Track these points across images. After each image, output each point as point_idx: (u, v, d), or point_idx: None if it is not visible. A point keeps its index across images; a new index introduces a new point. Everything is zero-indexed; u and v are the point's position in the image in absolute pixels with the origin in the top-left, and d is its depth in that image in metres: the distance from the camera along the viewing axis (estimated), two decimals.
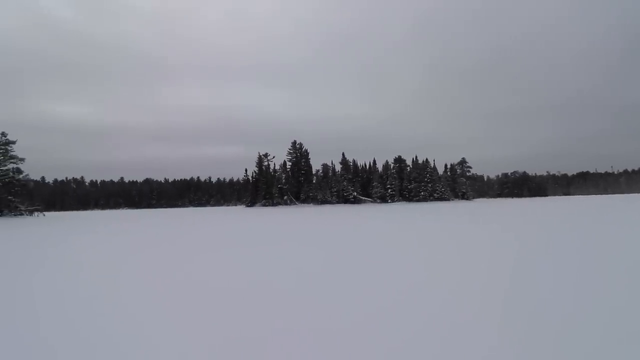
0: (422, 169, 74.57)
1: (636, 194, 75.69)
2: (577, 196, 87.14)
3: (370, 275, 4.86)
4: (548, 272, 4.68)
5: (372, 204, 66.93)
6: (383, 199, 72.13)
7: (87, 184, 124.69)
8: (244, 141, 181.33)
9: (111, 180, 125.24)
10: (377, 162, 78.50)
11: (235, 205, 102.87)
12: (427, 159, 75.89)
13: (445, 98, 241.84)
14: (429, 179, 73.15)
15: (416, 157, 76.93)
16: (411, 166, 76.43)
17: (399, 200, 72.42)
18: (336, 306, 3.51)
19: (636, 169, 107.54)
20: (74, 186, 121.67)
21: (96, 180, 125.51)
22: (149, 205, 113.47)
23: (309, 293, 4.08)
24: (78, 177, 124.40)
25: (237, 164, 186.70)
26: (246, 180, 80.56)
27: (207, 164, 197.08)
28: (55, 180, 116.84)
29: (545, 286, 4.00)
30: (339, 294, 3.95)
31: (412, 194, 72.98)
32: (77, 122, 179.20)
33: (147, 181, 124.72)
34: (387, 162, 77.67)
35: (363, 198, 72.43)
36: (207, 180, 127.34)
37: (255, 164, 77.18)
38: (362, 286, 4.29)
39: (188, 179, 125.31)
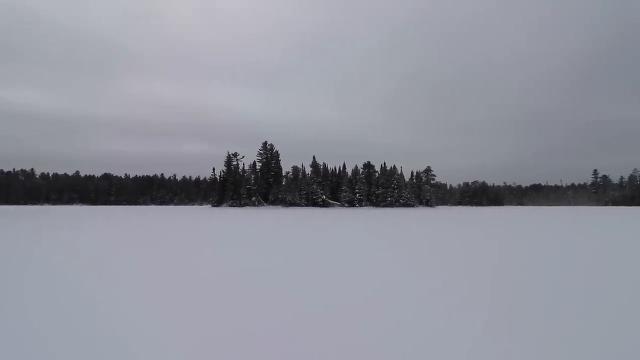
0: (390, 175, 76.65)
1: (578, 207, 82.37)
2: (529, 206, 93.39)
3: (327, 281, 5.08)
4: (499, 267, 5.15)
5: (340, 207, 67.78)
6: (351, 204, 73.27)
7: (37, 176, 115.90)
8: (213, 139, 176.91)
9: (65, 174, 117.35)
10: (346, 166, 79.79)
11: (201, 204, 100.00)
12: (394, 166, 78.22)
13: (416, 109, 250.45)
14: (396, 185, 75.31)
15: (384, 163, 79.07)
16: (379, 172, 78.30)
17: (366, 205, 73.87)
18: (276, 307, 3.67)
19: (582, 183, 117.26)
20: (22, 178, 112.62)
21: (48, 173, 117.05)
22: (107, 202, 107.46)
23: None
24: (27, 168, 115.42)
25: (205, 163, 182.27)
26: (213, 180, 78.69)
27: (172, 161, 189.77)
28: (1, 172, 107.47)
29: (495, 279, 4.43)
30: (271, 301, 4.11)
31: (379, 199, 74.73)
32: (27, 108, 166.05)
33: (106, 176, 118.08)
34: (356, 167, 79.17)
35: (332, 202, 73.16)
36: (172, 178, 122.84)
37: (223, 163, 75.70)
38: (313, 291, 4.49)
39: (151, 175, 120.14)
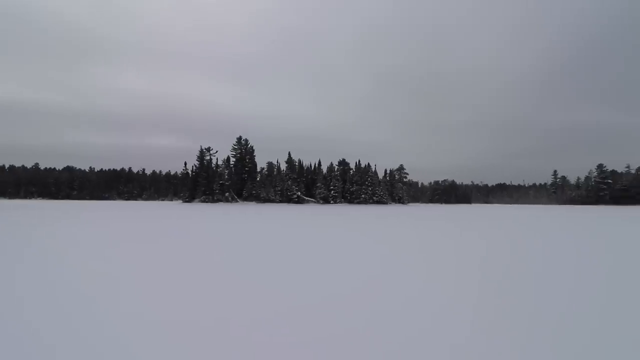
0: (364, 173, 77.75)
1: (538, 205, 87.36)
2: (494, 205, 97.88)
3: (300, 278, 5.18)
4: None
5: (315, 204, 67.99)
6: (326, 200, 73.68)
7: None
8: (185, 133, 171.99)
9: (23, 166, 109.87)
10: (322, 163, 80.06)
11: (172, 200, 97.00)
12: (369, 164, 79.38)
13: (391, 108, 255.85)
14: (370, 182, 76.52)
15: (359, 161, 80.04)
16: (354, 169, 79.21)
17: (340, 202, 74.57)
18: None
19: (543, 183, 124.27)
20: None
21: (4, 165, 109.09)
22: (69, 197, 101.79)
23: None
24: None
25: (176, 157, 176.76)
26: (185, 174, 76.58)
27: (141, 155, 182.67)
28: None
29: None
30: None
31: (353, 196, 75.65)
32: None
33: (68, 169, 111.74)
34: (331, 164, 79.59)
35: (306, 198, 73.25)
36: (140, 172, 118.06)
37: (196, 157, 73.80)
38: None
39: (118, 169, 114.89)
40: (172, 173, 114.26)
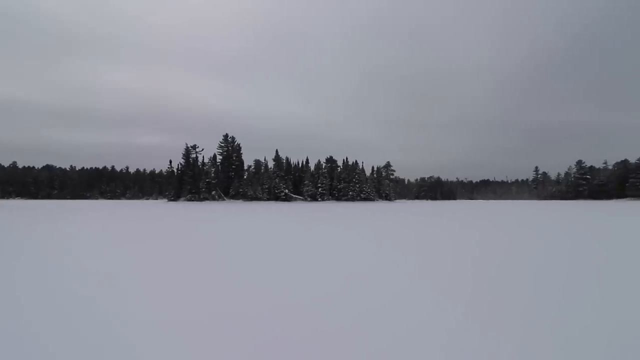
0: (352, 170, 78.17)
1: (520, 201, 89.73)
2: (478, 201, 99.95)
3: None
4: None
5: (303, 202, 68.03)
6: (313, 198, 73.83)
7: None
8: (169, 130, 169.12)
9: (0, 165, 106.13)
10: (309, 161, 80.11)
11: (157, 199, 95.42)
12: (356, 161, 79.78)
13: (378, 106, 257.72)
14: (357, 179, 77.01)
15: (347, 158, 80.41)
16: (341, 167, 79.55)
17: (328, 199, 74.84)
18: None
19: (525, 179, 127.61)
20: None
21: None
22: (49, 196, 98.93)
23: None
24: None
25: (161, 155, 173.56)
26: (170, 173, 75.31)
27: (123, 153, 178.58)
28: None
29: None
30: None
31: (341, 194, 76.01)
32: None
33: (48, 168, 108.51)
34: (319, 161, 79.77)
35: (294, 196, 73.21)
36: (124, 170, 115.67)
37: (181, 155, 72.75)
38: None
39: (100, 167, 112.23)
40: (156, 171, 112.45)
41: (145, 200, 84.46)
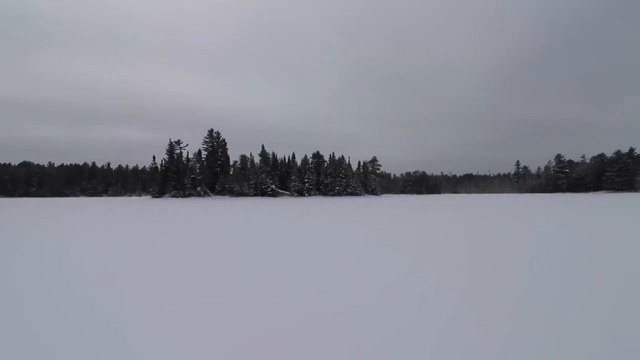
0: (338, 165, 78.40)
1: (502, 194, 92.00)
2: (461, 194, 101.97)
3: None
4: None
5: (289, 197, 67.92)
6: (300, 193, 73.80)
7: None
8: (152, 126, 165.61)
9: None
10: (296, 156, 79.90)
11: (140, 195, 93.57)
12: (342, 156, 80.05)
13: (365, 101, 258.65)
14: (344, 174, 77.33)
15: (333, 153, 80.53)
16: (328, 162, 79.66)
17: (315, 194, 74.96)
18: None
19: (507, 173, 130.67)
20: None
21: None
22: (27, 194, 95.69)
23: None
24: None
25: (144, 151, 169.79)
26: (154, 169, 73.92)
27: (105, 148, 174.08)
28: None
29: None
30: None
31: (328, 189, 76.22)
32: None
33: (25, 164, 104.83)
34: (305, 156, 79.58)
35: (281, 191, 72.99)
36: (105, 167, 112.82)
37: (165, 151, 71.41)
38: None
39: (80, 164, 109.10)
40: (139, 167, 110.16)
41: (128, 197, 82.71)
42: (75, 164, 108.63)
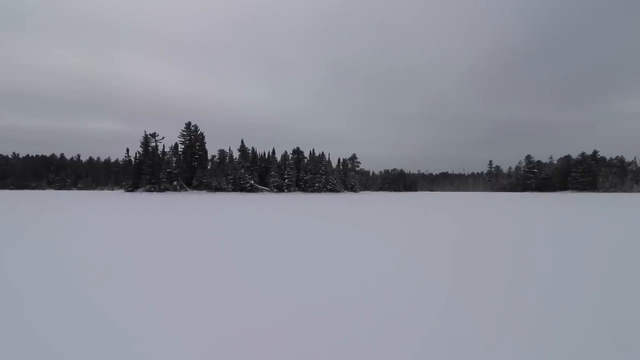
0: (318, 161, 78.54)
1: (475, 192, 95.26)
2: (437, 192, 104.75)
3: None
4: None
5: (268, 193, 67.52)
6: (280, 189, 73.47)
7: None
8: (127, 117, 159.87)
9: None
10: (276, 152, 79.37)
11: (112, 189, 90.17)
12: (323, 153, 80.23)
13: (345, 98, 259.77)
14: (324, 171, 77.59)
15: (313, 150, 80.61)
16: (308, 158, 79.63)
17: (294, 191, 74.83)
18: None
19: (480, 172, 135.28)
20: None
21: None
22: None
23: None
24: None
25: (116, 143, 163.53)
26: (128, 162, 71.51)
27: (74, 139, 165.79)
28: None
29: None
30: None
31: (307, 185, 76.27)
32: None
33: None
34: (285, 152, 79.26)
35: (260, 187, 72.41)
36: (75, 159, 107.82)
37: (140, 143, 69.09)
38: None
39: (48, 155, 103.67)
40: (112, 160, 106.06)
41: (100, 191, 79.56)
42: (42, 155, 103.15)
